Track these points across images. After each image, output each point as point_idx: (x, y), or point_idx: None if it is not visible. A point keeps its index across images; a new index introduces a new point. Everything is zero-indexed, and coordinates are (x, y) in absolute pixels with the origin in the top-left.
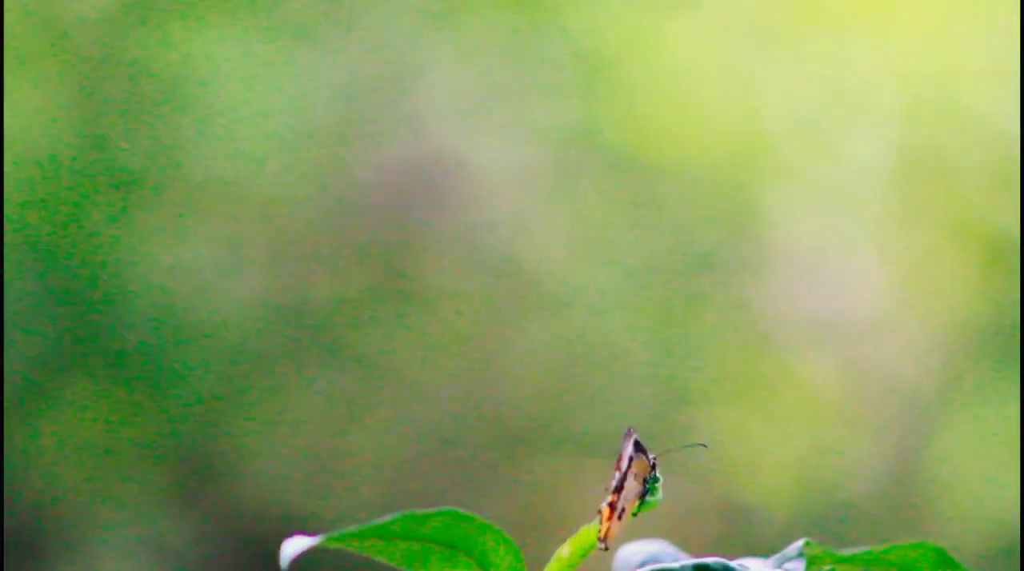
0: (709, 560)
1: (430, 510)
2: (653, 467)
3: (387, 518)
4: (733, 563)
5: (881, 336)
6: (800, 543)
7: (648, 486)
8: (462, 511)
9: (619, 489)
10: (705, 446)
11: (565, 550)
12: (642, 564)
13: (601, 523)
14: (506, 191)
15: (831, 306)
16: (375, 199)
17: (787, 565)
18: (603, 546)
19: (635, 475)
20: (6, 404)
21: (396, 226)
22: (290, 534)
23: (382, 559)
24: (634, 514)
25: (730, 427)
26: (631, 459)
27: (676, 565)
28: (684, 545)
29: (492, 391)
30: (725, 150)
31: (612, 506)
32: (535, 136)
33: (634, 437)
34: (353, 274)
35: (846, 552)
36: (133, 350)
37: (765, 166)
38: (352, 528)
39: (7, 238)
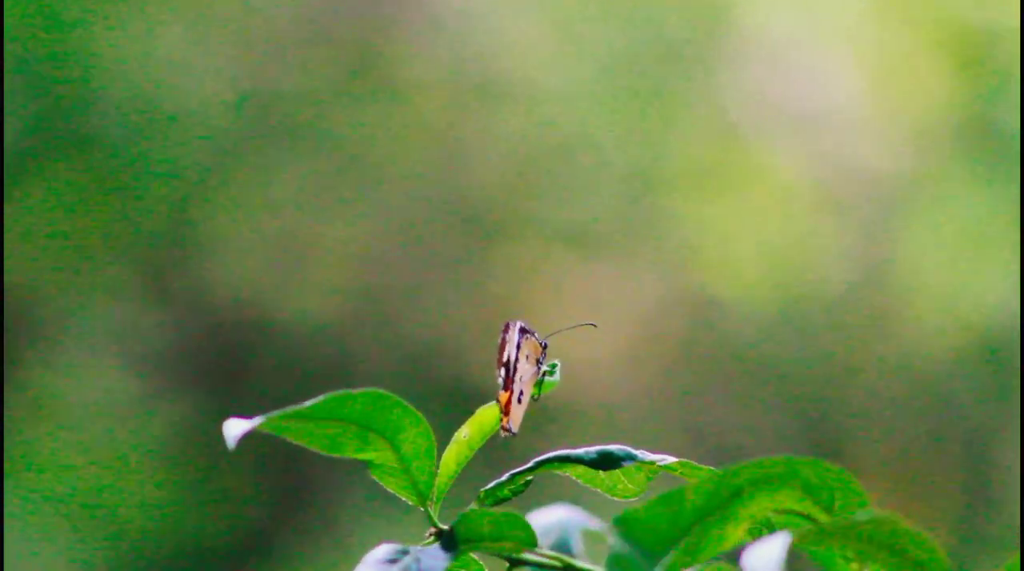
0: (613, 448)
1: (354, 391)
2: (544, 347)
3: (312, 402)
4: (636, 451)
5: (854, 129)
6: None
7: (545, 369)
8: (383, 392)
9: (508, 382)
10: (594, 325)
11: (464, 432)
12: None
13: (502, 415)
14: None
15: (804, 99)
16: None
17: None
18: (508, 434)
19: (527, 357)
20: None
21: (367, 14)
22: (258, 323)
23: (302, 443)
24: (535, 397)
25: (699, 218)
26: (518, 346)
27: (582, 451)
28: (659, 342)
29: (462, 180)
30: None
31: (508, 399)
32: None
33: (518, 325)
34: (323, 63)
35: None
36: (103, 139)
37: None
38: (283, 412)
39: None
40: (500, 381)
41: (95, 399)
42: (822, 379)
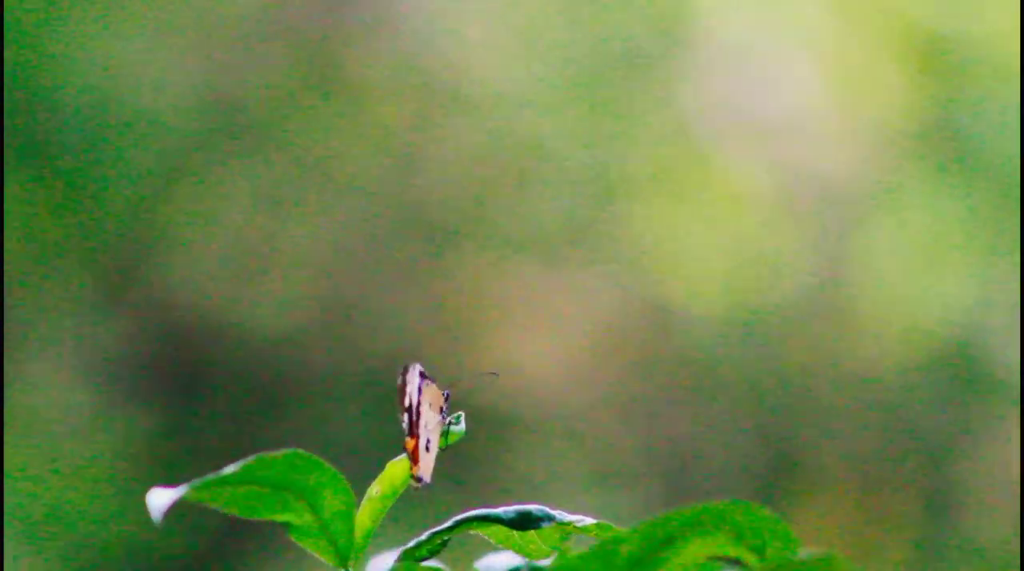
0: (531, 507)
1: (273, 454)
2: (447, 398)
3: (232, 468)
4: (554, 511)
5: (814, 136)
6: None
7: (450, 420)
8: (303, 452)
9: (413, 428)
10: (495, 375)
11: (375, 490)
12: None
13: (411, 464)
14: None
15: (765, 105)
16: None
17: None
18: (420, 484)
19: (430, 404)
20: None
21: (327, 19)
22: (215, 332)
23: (218, 508)
24: (442, 448)
25: (659, 225)
26: (419, 390)
27: (500, 510)
28: (617, 350)
29: (421, 186)
30: None
31: (416, 448)
32: None
33: (417, 368)
34: (283, 67)
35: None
36: (61, 142)
37: None
38: (206, 479)
39: None
40: (404, 427)
41: (51, 409)
42: (780, 388)
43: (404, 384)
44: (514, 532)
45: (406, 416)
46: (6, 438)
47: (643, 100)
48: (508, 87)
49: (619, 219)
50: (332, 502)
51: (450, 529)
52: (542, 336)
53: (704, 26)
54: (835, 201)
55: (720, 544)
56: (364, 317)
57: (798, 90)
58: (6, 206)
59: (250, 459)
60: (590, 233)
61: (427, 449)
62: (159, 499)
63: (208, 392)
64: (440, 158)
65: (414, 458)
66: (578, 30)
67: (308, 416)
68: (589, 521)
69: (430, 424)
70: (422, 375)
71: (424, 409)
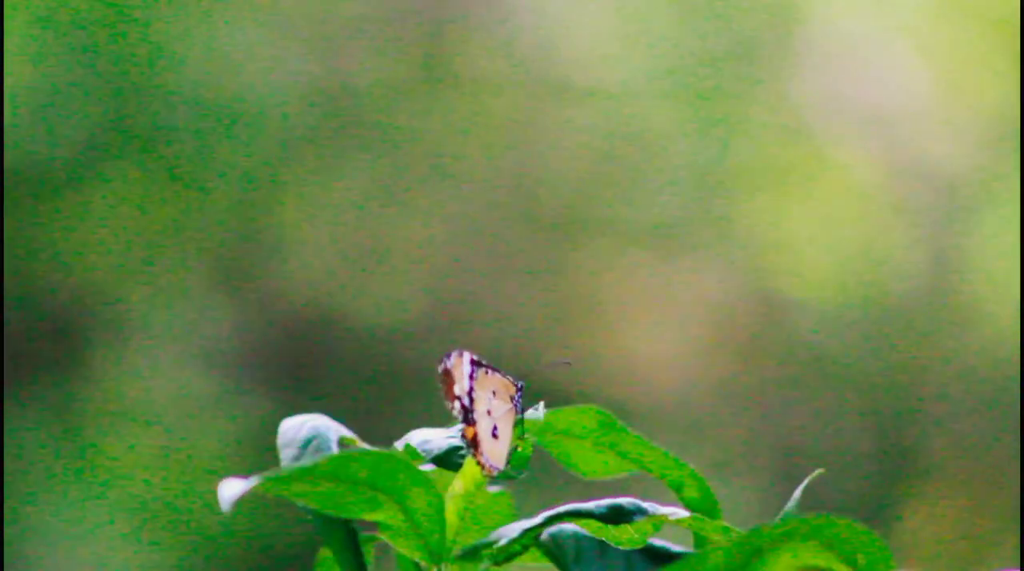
0: (623, 501)
1: (358, 452)
2: (519, 388)
3: (317, 459)
4: (646, 504)
5: (925, 128)
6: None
7: (525, 409)
8: (388, 452)
9: (467, 417)
10: (569, 364)
11: (458, 485)
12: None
13: (472, 452)
14: None
15: (875, 97)
16: None
17: None
18: (490, 473)
19: (494, 392)
20: (50, 185)
21: (437, 8)
22: (328, 324)
23: (303, 503)
24: (521, 436)
25: (770, 216)
26: (471, 377)
27: (592, 505)
28: (729, 341)
29: (532, 177)
30: None
31: (475, 436)
32: None
33: (468, 356)
34: (393, 58)
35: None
36: (173, 134)
37: None
38: (282, 471)
39: (51, 25)
40: (457, 415)
41: (167, 399)
42: (891, 380)
43: (448, 371)
44: (607, 526)
45: (457, 404)
46: (124, 427)
47: (754, 91)
48: (620, 79)
49: (731, 210)
50: (420, 501)
51: (542, 525)
52: (655, 327)
53: (814, 17)
54: (946, 192)
55: (810, 554)
56: (477, 309)
57: (909, 81)
58: (121, 195)
59: (332, 456)
60: (703, 224)
61: (495, 436)
62: (230, 490)
63: (321, 383)
64: (554, 150)
65: (474, 444)
66: (689, 22)
67: (421, 409)
68: (683, 514)
69: (497, 412)
70: (475, 363)
71: (483, 396)
